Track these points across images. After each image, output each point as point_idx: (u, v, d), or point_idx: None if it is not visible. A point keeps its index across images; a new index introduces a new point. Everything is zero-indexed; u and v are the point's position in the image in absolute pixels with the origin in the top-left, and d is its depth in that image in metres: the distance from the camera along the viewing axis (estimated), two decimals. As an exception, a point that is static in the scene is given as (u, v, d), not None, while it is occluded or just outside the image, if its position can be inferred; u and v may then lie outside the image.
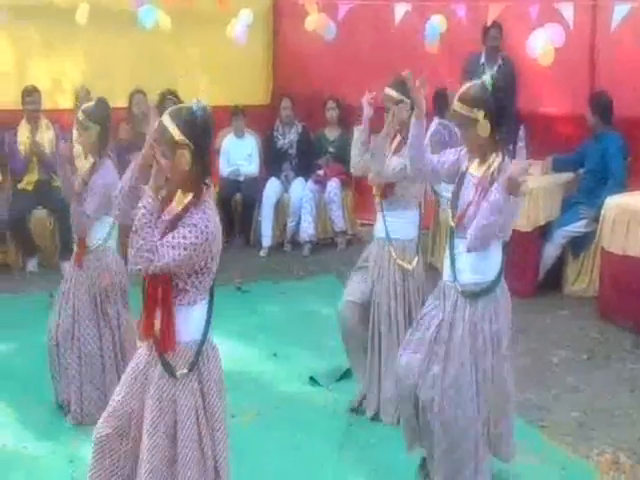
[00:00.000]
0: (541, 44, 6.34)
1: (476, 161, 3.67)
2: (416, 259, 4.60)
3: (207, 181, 3.13)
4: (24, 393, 4.95)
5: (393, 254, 4.56)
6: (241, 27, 7.28)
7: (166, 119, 3.05)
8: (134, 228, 2.99)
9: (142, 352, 3.24)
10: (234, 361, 5.47)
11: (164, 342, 3.11)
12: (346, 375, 5.14)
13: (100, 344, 4.58)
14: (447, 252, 3.74)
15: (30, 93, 7.37)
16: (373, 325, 4.63)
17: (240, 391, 4.97)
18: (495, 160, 3.58)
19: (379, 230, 4.66)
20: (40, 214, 7.44)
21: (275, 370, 5.40)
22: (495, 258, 3.65)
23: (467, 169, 3.69)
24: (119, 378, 4.50)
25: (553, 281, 6.79)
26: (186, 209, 3.07)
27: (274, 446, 4.40)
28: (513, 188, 3.33)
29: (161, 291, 3.08)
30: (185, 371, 3.11)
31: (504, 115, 3.61)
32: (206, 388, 3.16)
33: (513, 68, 7.38)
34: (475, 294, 3.64)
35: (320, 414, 4.77)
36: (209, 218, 3.02)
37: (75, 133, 4.96)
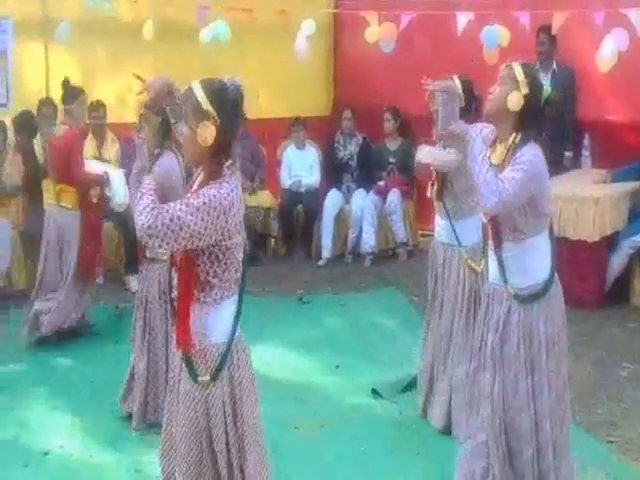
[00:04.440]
0: (610, 50, 6.20)
1: (496, 149, 3.52)
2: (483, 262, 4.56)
3: (229, 164, 2.84)
4: (91, 402, 5.03)
5: (464, 255, 4.51)
6: (302, 40, 7.29)
7: (196, 86, 2.82)
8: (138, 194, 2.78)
9: (176, 358, 3.04)
10: (296, 373, 5.50)
11: (179, 339, 2.88)
12: (409, 387, 5.11)
13: (166, 350, 4.58)
14: (492, 254, 3.58)
15: (96, 108, 7.51)
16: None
17: (303, 403, 4.99)
18: (515, 139, 3.42)
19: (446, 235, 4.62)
20: (106, 227, 7.51)
21: (338, 382, 5.37)
22: (542, 254, 3.50)
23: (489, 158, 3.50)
24: None
25: (620, 292, 6.65)
26: (201, 186, 2.84)
27: (337, 458, 4.38)
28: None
29: (183, 282, 2.84)
30: (207, 378, 2.89)
31: (537, 116, 3.44)
32: (238, 395, 2.93)
33: (571, 75, 7.23)
34: (530, 297, 3.49)
35: (383, 426, 4.74)
36: (223, 187, 2.76)
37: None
